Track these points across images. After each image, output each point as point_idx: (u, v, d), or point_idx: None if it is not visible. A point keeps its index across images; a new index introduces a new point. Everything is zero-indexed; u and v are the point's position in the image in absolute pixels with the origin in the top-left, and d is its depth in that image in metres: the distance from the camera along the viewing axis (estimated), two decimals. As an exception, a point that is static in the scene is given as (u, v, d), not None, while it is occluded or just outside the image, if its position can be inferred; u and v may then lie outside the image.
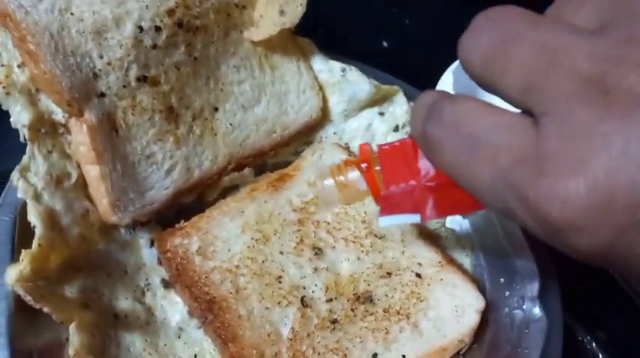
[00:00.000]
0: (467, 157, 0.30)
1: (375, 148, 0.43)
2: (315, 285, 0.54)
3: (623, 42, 0.26)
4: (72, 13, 0.51)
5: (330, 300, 0.54)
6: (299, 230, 0.57)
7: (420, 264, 0.56)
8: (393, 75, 0.67)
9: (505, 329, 0.52)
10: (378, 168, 0.42)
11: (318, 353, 0.51)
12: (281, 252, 0.56)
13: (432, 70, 0.62)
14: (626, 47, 0.26)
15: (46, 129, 0.52)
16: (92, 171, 0.52)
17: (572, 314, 0.58)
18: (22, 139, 0.51)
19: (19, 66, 0.51)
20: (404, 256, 0.57)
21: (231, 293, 0.53)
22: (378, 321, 0.53)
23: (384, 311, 0.53)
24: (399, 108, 0.64)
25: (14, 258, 0.50)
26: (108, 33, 0.52)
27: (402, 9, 0.87)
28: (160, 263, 0.56)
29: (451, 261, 0.57)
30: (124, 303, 0.53)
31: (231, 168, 0.60)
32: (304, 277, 0.55)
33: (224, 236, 0.56)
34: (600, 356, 0.60)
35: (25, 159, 0.50)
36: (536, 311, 0.51)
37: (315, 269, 0.55)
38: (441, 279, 0.55)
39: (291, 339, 0.51)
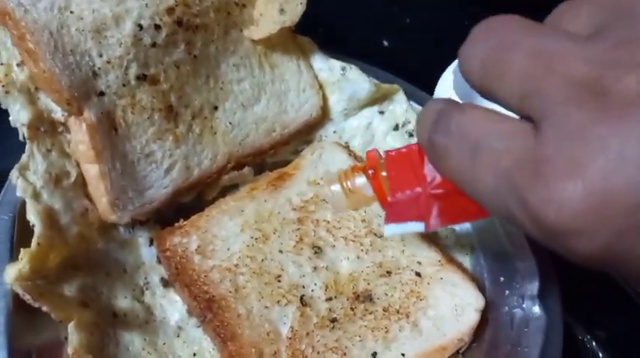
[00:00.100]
0: (471, 163, 0.31)
1: (382, 154, 0.43)
2: (315, 284, 0.54)
3: (617, 45, 0.26)
4: (71, 12, 0.51)
5: (329, 299, 0.54)
6: (298, 229, 0.57)
7: (419, 263, 0.56)
8: (393, 74, 0.67)
9: (505, 328, 0.52)
10: (384, 173, 0.42)
11: (318, 352, 0.51)
12: (280, 251, 0.56)
13: (432, 69, 0.62)
14: (619, 50, 0.26)
15: (46, 127, 0.52)
16: (91, 170, 0.52)
17: (572, 313, 0.58)
18: (21, 138, 0.51)
19: (18, 64, 0.51)
20: (404, 255, 0.57)
21: (230, 292, 0.53)
22: (377, 320, 0.53)
23: (383, 310, 0.53)
24: (399, 106, 0.64)
25: (13, 256, 0.49)
26: (107, 31, 0.52)
27: (402, 8, 0.87)
28: (159, 262, 0.56)
29: (451, 260, 0.57)
30: (123, 302, 0.53)
31: (230, 167, 0.60)
32: (304, 276, 0.54)
33: (223, 235, 0.56)
34: (600, 355, 0.60)
35: (24, 157, 0.50)
36: (536, 310, 0.51)
37: (315, 268, 0.55)
38: (441, 278, 0.55)
39: (290, 338, 0.51)
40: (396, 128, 0.64)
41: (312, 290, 0.54)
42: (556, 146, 0.26)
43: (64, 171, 0.52)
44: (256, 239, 0.56)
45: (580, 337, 0.60)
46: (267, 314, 0.52)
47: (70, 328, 0.47)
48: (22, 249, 0.47)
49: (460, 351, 0.53)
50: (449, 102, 0.34)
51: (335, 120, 0.65)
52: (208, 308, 0.52)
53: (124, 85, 0.53)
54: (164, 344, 0.52)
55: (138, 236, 0.56)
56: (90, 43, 0.51)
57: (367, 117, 0.65)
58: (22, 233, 0.51)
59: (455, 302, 0.53)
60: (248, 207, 0.58)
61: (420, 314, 0.53)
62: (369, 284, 0.55)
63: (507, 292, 0.54)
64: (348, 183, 0.45)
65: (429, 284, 0.55)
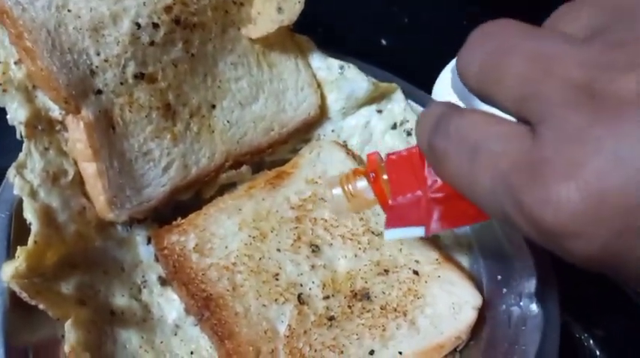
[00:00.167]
0: (469, 165, 0.31)
1: (383, 157, 0.43)
2: (312, 282, 0.54)
3: (613, 47, 0.27)
4: (69, 10, 0.51)
5: (327, 297, 0.54)
6: (296, 227, 0.57)
7: (417, 262, 0.56)
8: (391, 73, 0.67)
9: (502, 326, 0.52)
10: (385, 177, 0.42)
11: (315, 350, 0.51)
12: (278, 250, 0.56)
13: (430, 68, 0.62)
14: (614, 52, 0.26)
15: (43, 126, 0.52)
16: (89, 168, 0.52)
17: (570, 312, 0.57)
18: (18, 136, 0.51)
19: (15, 63, 0.51)
20: (401, 253, 0.57)
21: (227, 290, 0.53)
22: (375, 318, 0.53)
23: (381, 309, 0.53)
24: (397, 105, 0.64)
25: (10, 254, 0.49)
26: (105, 30, 0.52)
27: (401, 7, 0.87)
28: (156, 260, 0.56)
29: (448, 259, 0.57)
30: (121, 300, 0.53)
31: (228, 166, 0.60)
32: (301, 274, 0.54)
33: (221, 233, 0.56)
34: (597, 353, 0.60)
35: (21, 156, 0.50)
36: (534, 308, 0.51)
37: (313, 267, 0.55)
38: (439, 276, 0.55)
39: (287, 336, 0.51)
40: (394, 127, 0.64)
41: (310, 289, 0.54)
42: (553, 148, 0.27)
43: (62, 169, 0.52)
44: (254, 237, 0.56)
45: (577, 335, 0.60)
46: (264, 312, 0.52)
47: (67, 326, 0.47)
48: (19, 247, 0.47)
49: (457, 349, 0.53)
50: (448, 106, 0.34)
51: (333, 118, 0.65)
52: (206, 307, 0.52)
53: (121, 84, 0.53)
54: (161, 342, 0.52)
55: (135, 234, 0.56)
56: (87, 41, 0.51)
57: (365, 116, 0.65)
58: (19, 231, 0.51)
59: (452, 301, 0.53)
60: (246, 205, 0.58)
61: (417, 313, 0.53)
62: (366, 282, 0.55)
63: (505, 290, 0.54)
64: (350, 186, 0.45)
65: (426, 282, 0.55)
